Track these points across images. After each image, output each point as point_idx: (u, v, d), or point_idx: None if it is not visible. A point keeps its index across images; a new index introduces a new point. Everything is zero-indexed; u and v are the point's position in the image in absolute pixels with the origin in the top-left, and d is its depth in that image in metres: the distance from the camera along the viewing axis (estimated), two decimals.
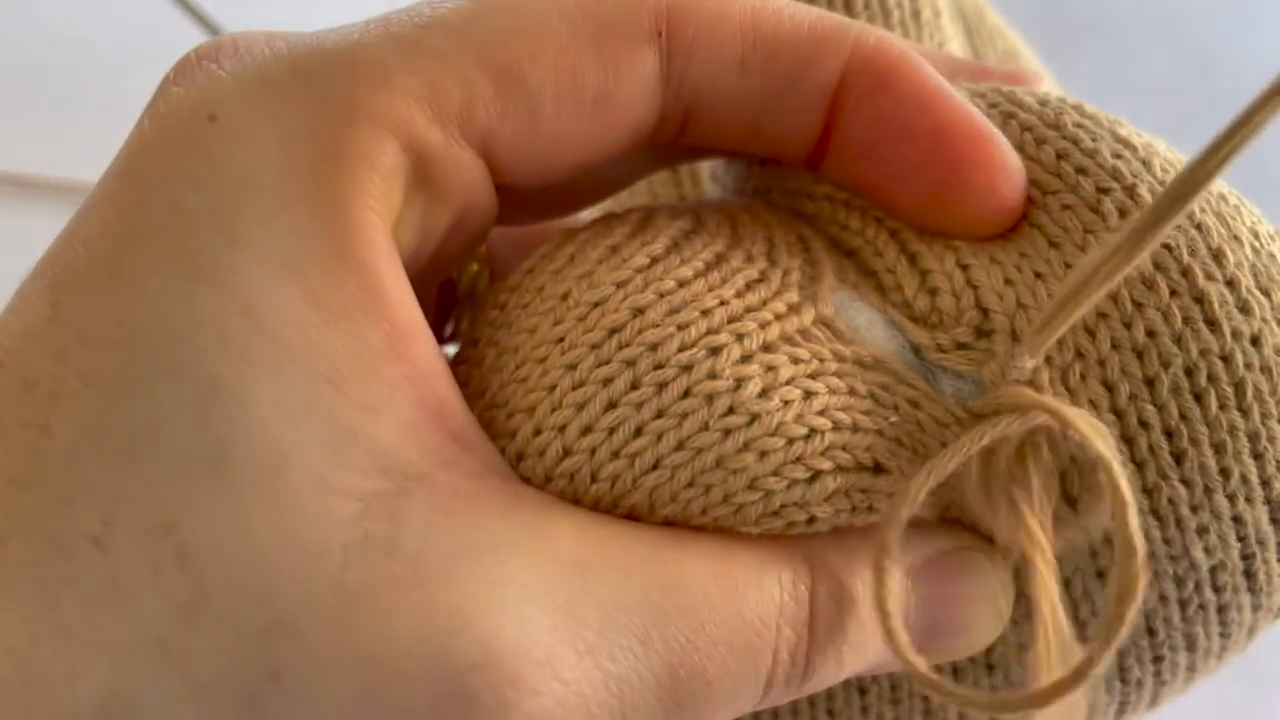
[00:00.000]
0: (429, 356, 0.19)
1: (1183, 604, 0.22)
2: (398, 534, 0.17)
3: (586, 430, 0.20)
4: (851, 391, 0.20)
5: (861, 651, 0.21)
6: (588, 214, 0.26)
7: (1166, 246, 0.21)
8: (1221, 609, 0.22)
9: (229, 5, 0.53)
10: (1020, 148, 0.22)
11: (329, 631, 0.17)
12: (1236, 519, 0.21)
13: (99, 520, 0.16)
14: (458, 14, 0.20)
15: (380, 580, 0.17)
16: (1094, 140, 0.22)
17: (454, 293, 0.26)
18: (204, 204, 0.18)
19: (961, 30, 0.37)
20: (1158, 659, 0.23)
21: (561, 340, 0.20)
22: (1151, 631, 0.22)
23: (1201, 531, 0.21)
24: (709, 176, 0.28)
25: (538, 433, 0.20)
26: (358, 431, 0.17)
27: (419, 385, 0.18)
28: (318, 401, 0.17)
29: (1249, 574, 0.22)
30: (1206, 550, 0.21)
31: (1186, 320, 0.20)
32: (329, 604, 0.17)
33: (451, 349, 0.24)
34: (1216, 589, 0.22)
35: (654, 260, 0.21)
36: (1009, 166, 0.21)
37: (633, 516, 0.20)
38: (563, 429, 0.20)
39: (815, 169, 0.23)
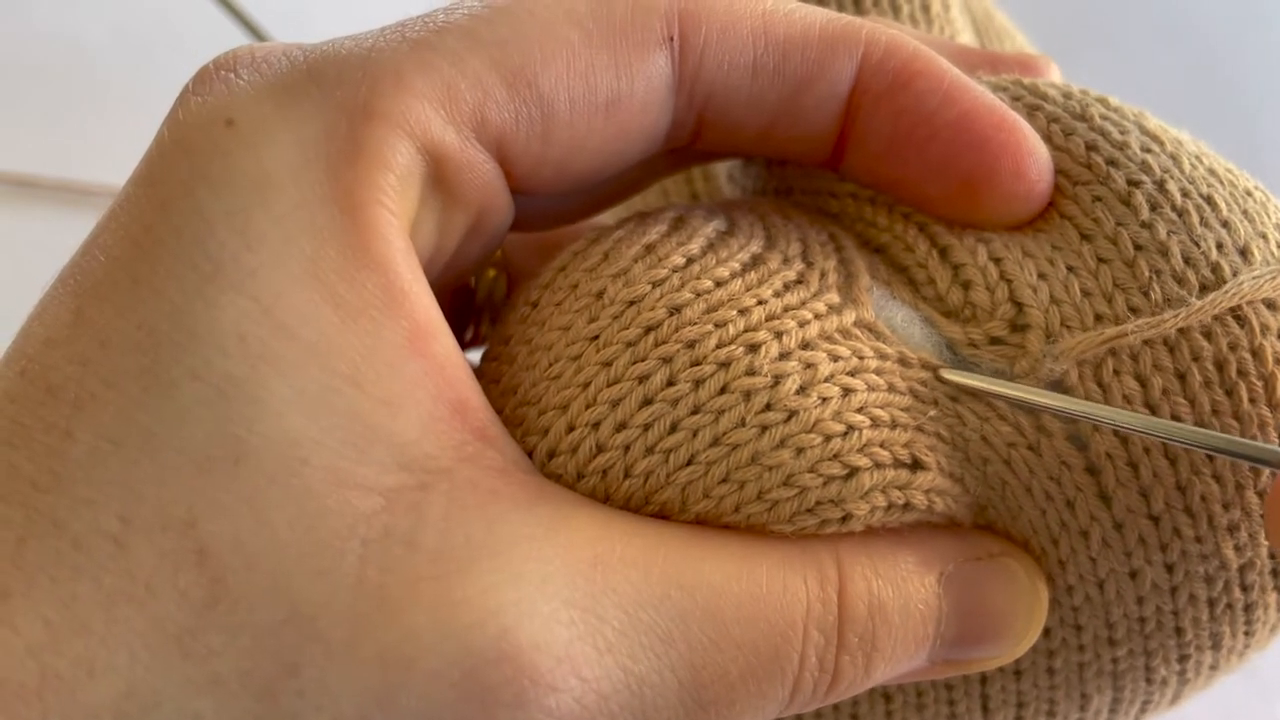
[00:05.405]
0: (449, 353, 0.19)
1: (1211, 603, 0.22)
2: (418, 528, 0.17)
3: (621, 427, 0.20)
4: (891, 388, 0.20)
5: (890, 658, 0.20)
6: (603, 218, 0.26)
7: (1194, 242, 0.20)
8: (1248, 607, 0.22)
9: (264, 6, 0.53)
10: (1048, 138, 0.22)
11: (348, 625, 0.16)
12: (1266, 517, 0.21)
13: (118, 519, 0.16)
14: (472, 19, 0.20)
15: (400, 574, 0.17)
16: (1122, 133, 0.22)
17: (472, 299, 0.26)
18: (222, 206, 0.18)
19: (969, 25, 0.37)
20: (1183, 658, 0.23)
21: (597, 338, 0.20)
22: (1179, 631, 0.22)
23: (1232, 529, 0.21)
24: (726, 178, 0.28)
25: (571, 429, 0.20)
26: (377, 427, 0.17)
27: (439, 381, 0.18)
28: (337, 398, 0.17)
29: (1276, 572, 0.22)
30: (1237, 548, 0.21)
31: (1215, 315, 0.20)
32: (348, 598, 0.17)
33: (470, 355, 0.24)
34: (1245, 588, 0.22)
35: (690, 260, 0.21)
36: (1035, 150, 0.21)
37: (663, 514, 0.20)
38: (597, 425, 0.20)
39: (834, 169, 0.23)
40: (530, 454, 0.20)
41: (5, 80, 0.53)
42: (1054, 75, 0.25)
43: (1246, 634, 0.23)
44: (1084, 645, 0.23)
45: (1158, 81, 0.58)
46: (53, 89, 0.53)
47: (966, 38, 0.35)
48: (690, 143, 0.23)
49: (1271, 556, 0.22)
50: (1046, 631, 0.22)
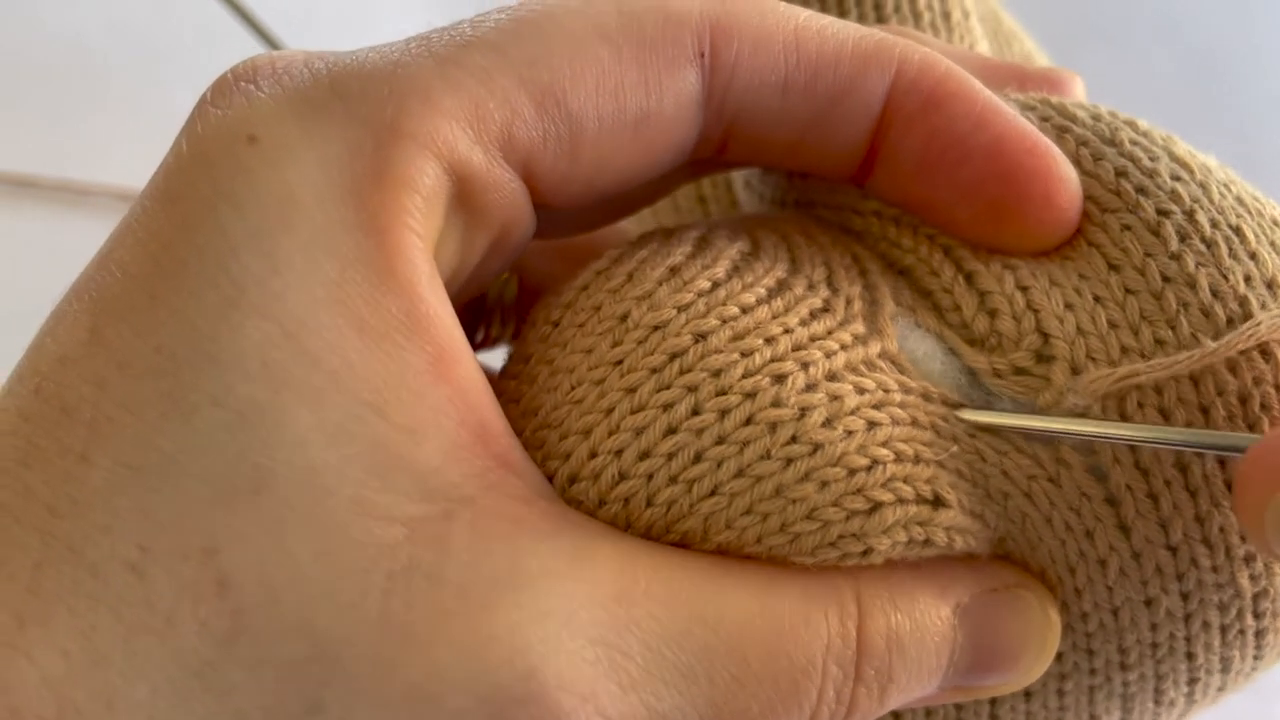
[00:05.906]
0: (472, 379, 0.18)
1: (1224, 629, 0.22)
2: (442, 561, 0.17)
3: (644, 455, 0.19)
4: (914, 423, 0.20)
5: (904, 689, 0.20)
6: (620, 225, 0.26)
7: (1223, 275, 0.20)
8: (1259, 633, 0.22)
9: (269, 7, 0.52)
10: (1076, 162, 0.21)
11: (373, 663, 0.16)
12: None
13: (137, 547, 0.16)
14: (499, 34, 0.19)
15: (425, 609, 0.17)
16: (1152, 160, 0.21)
17: (483, 301, 0.26)
18: (245, 227, 0.17)
19: (985, 32, 0.37)
20: (1193, 681, 0.23)
21: (620, 363, 0.20)
22: (1191, 656, 0.22)
23: (1249, 559, 0.21)
24: (742, 185, 0.27)
25: (593, 456, 0.20)
26: (401, 455, 0.17)
27: (462, 408, 0.18)
28: (360, 425, 0.17)
29: None
30: (1252, 578, 0.21)
31: (1241, 349, 0.20)
32: (373, 634, 0.16)
33: (480, 356, 0.23)
34: (1257, 614, 0.22)
35: (716, 284, 0.21)
36: (1066, 177, 0.21)
37: (684, 543, 0.20)
38: (620, 453, 0.19)
39: (859, 184, 0.23)
40: (551, 478, 0.20)
41: (5, 80, 0.53)
42: (1079, 92, 0.25)
43: (1256, 658, 0.23)
44: (1095, 669, 0.23)
45: (1157, 82, 0.58)
46: (53, 89, 0.53)
47: (984, 46, 0.35)
48: (715, 154, 0.22)
49: None
50: (1059, 656, 0.22)
